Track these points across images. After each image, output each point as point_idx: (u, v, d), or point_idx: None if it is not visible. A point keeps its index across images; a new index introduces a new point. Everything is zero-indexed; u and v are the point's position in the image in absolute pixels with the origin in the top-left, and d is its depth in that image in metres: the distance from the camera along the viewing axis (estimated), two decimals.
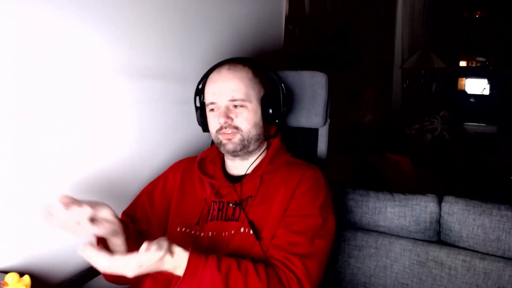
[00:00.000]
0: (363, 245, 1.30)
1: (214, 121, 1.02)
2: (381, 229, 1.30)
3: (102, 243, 0.85)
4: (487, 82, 5.82)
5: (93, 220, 0.78)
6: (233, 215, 0.99)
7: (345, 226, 1.33)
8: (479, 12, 5.90)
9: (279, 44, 2.00)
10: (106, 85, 1.12)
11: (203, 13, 1.42)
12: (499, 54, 5.67)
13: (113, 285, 1.01)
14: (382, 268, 1.26)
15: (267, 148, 1.08)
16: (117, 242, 0.84)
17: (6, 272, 0.86)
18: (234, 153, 1.02)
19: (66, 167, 1.04)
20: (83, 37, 1.03)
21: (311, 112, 1.24)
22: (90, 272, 1.06)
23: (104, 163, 1.14)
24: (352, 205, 1.31)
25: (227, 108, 0.99)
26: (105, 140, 1.14)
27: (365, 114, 3.33)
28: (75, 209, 0.77)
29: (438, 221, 1.21)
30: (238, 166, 1.07)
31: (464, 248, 1.18)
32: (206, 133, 1.09)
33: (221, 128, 1.00)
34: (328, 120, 1.26)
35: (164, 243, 0.78)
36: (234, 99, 0.99)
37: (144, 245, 0.76)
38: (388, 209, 1.26)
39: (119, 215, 1.07)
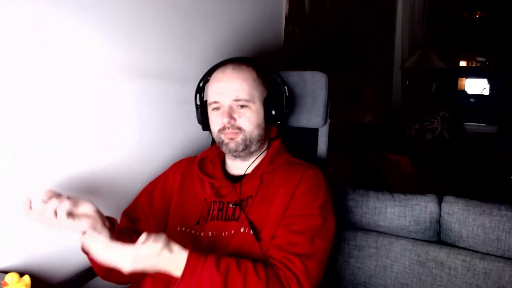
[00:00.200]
0: (363, 245, 1.30)
1: (217, 120, 1.01)
2: (381, 229, 1.30)
3: None
4: (487, 82, 5.82)
5: (71, 214, 0.81)
6: (233, 215, 0.99)
7: (345, 226, 1.33)
8: (479, 12, 5.90)
9: (279, 44, 2.00)
10: (106, 85, 1.12)
11: (203, 13, 1.42)
12: (499, 54, 5.67)
13: (113, 285, 1.02)
14: (382, 268, 1.26)
15: (268, 148, 1.08)
16: None
17: (6, 272, 0.86)
18: (236, 153, 1.02)
19: (66, 167, 1.04)
20: (83, 37, 1.03)
21: (311, 112, 1.24)
22: (90, 272, 1.06)
23: (104, 163, 1.14)
24: (352, 205, 1.31)
25: (231, 108, 0.99)
26: (105, 140, 1.13)
27: (365, 114, 3.33)
28: (53, 201, 0.80)
29: (438, 221, 1.21)
30: (238, 166, 1.07)
31: (464, 248, 1.18)
32: (206, 133, 1.09)
33: (224, 128, 1.00)
34: (328, 120, 1.26)
35: (162, 237, 0.78)
36: (238, 99, 0.98)
37: (142, 237, 0.76)
38: (388, 209, 1.26)
39: (119, 215, 1.08)
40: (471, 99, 5.70)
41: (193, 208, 1.04)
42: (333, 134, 1.28)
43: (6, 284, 0.83)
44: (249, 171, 1.05)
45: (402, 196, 1.27)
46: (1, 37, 0.87)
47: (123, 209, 1.10)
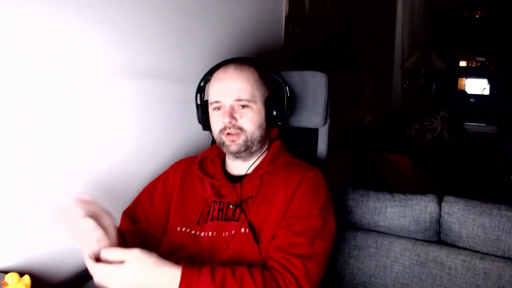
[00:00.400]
0: (363, 245, 1.30)
1: (218, 120, 1.01)
2: (381, 229, 1.30)
3: None
4: (487, 82, 5.83)
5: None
6: (233, 215, 0.98)
7: (345, 226, 1.33)
8: (479, 12, 5.90)
9: (279, 44, 2.00)
10: (106, 85, 1.12)
11: (203, 13, 1.42)
12: (499, 54, 5.67)
13: None
14: (382, 268, 1.26)
15: (268, 148, 1.08)
16: None
17: (6, 272, 0.86)
18: (237, 154, 1.02)
19: (66, 167, 1.03)
20: (83, 37, 1.03)
21: (311, 112, 1.24)
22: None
23: (104, 163, 1.14)
24: (352, 205, 1.31)
25: (232, 108, 0.99)
26: (105, 140, 1.13)
27: (365, 114, 3.33)
28: (83, 219, 0.78)
29: (438, 221, 1.21)
30: (239, 166, 1.07)
31: (464, 248, 1.18)
32: (206, 133, 1.09)
33: (225, 128, 0.99)
34: (328, 120, 1.26)
35: (154, 255, 0.78)
36: (239, 99, 0.98)
37: (133, 253, 0.76)
38: (388, 209, 1.26)
39: (119, 215, 1.08)
40: (471, 99, 5.70)
41: (193, 208, 1.04)
42: (333, 134, 1.28)
43: (6, 284, 0.83)
44: (249, 171, 1.05)
45: (402, 196, 1.27)
46: (1, 37, 0.87)
47: (123, 209, 1.10)
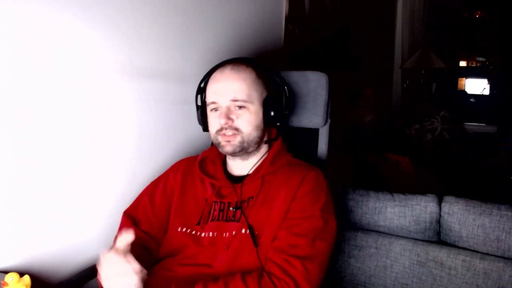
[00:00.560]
0: (363, 245, 1.30)
1: (214, 121, 1.01)
2: (381, 229, 1.30)
3: None
4: (487, 82, 5.82)
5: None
6: (234, 215, 0.98)
7: (345, 226, 1.33)
8: (479, 12, 5.89)
9: (279, 44, 2.00)
10: (106, 85, 1.12)
11: (203, 13, 1.42)
12: (499, 54, 5.67)
13: None
14: (382, 268, 1.26)
15: (269, 148, 1.08)
16: None
17: (6, 272, 0.86)
18: (233, 154, 1.02)
19: (66, 167, 1.04)
20: (83, 37, 1.03)
21: (312, 112, 1.24)
22: (90, 272, 1.06)
23: (104, 163, 1.14)
24: (352, 205, 1.31)
25: (228, 108, 0.98)
26: (105, 140, 1.13)
27: (365, 114, 3.33)
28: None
29: (438, 221, 1.21)
30: (239, 167, 1.06)
31: (464, 248, 1.18)
32: (206, 133, 1.09)
33: (221, 129, 0.99)
34: (329, 120, 1.26)
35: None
36: (236, 99, 0.98)
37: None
38: (388, 209, 1.26)
39: (119, 215, 1.08)
40: (471, 99, 5.70)
41: (194, 208, 1.04)
42: (333, 134, 1.28)
43: (6, 284, 0.83)
44: (250, 171, 1.04)
45: (402, 196, 1.27)
46: (1, 37, 0.87)
47: (123, 209, 1.10)
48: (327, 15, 2.81)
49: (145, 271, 0.76)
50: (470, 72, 6.03)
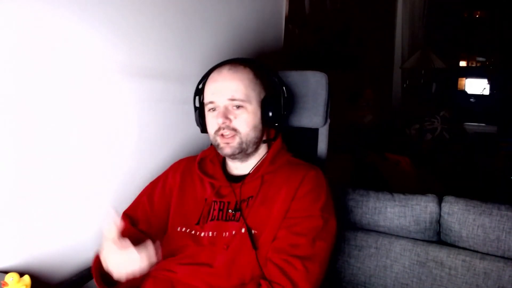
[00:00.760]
0: (363, 245, 1.30)
1: (212, 121, 1.01)
2: (381, 229, 1.30)
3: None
4: (487, 82, 5.82)
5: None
6: (233, 215, 0.98)
7: (345, 226, 1.33)
8: (479, 12, 5.89)
9: (279, 44, 2.00)
10: (106, 85, 1.12)
11: (203, 13, 1.42)
12: (499, 54, 5.67)
13: None
14: (382, 268, 1.26)
15: (268, 149, 1.08)
16: None
17: (6, 272, 0.86)
18: (232, 157, 1.02)
19: (66, 167, 1.04)
20: (83, 37, 1.03)
21: (312, 112, 1.24)
22: (90, 272, 1.06)
23: (104, 163, 1.14)
24: (352, 205, 1.31)
25: (226, 108, 0.98)
26: (105, 140, 1.13)
27: (365, 114, 3.33)
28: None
29: (438, 221, 1.21)
30: (239, 167, 1.06)
31: (464, 248, 1.18)
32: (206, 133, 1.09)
33: (219, 129, 0.99)
34: (328, 120, 1.26)
35: None
36: (233, 98, 0.98)
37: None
38: (388, 209, 1.26)
39: (120, 215, 1.08)
40: (471, 99, 5.70)
41: (193, 208, 1.04)
42: (333, 134, 1.28)
43: (6, 284, 0.83)
44: (250, 171, 1.04)
45: (402, 196, 1.27)
46: (1, 37, 0.87)
47: (123, 209, 1.10)
48: (327, 15, 2.81)
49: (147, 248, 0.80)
50: (470, 72, 6.02)
